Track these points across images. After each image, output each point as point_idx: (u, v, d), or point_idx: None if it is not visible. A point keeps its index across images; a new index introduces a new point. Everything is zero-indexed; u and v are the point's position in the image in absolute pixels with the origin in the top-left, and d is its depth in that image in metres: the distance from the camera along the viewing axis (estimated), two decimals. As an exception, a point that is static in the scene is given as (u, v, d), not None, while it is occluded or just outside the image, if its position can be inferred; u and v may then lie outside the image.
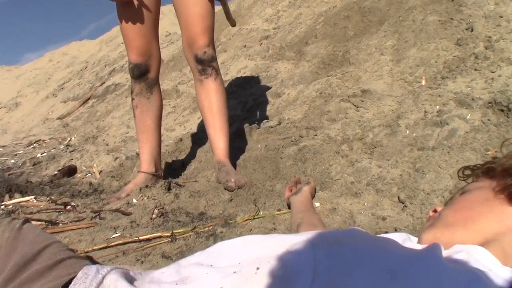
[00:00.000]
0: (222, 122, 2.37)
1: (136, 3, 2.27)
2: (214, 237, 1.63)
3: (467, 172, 1.13)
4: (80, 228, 2.01)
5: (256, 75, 4.06)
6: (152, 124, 2.46)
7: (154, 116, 2.47)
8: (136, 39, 2.32)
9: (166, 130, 3.86)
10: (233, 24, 2.80)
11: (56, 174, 3.31)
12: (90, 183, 2.90)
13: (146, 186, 2.32)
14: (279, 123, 2.89)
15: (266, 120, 3.04)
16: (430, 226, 1.02)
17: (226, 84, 3.95)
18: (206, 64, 2.34)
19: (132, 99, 2.46)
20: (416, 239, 1.04)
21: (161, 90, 4.28)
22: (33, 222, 2.12)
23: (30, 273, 0.95)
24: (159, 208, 1.99)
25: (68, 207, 2.32)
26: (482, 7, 2.83)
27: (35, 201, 2.55)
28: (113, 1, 2.30)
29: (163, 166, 2.75)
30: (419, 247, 0.94)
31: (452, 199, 1.08)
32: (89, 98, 6.88)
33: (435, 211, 1.10)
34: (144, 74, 2.38)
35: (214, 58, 2.37)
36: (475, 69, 2.34)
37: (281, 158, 2.29)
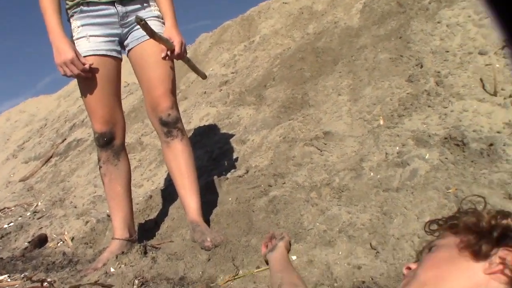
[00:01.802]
0: (191, 182, 2.38)
1: (90, 75, 2.28)
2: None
3: (433, 226, 1.19)
4: (60, 305, 1.99)
5: (219, 122, 4.12)
6: (122, 190, 2.46)
7: (123, 182, 2.47)
8: (99, 109, 2.34)
9: (134, 186, 3.84)
10: (203, 76, 2.84)
11: (26, 247, 3.24)
12: (64, 253, 2.85)
13: (122, 253, 2.30)
14: (247, 171, 2.94)
15: (233, 170, 3.08)
16: (406, 285, 1.07)
17: (190, 134, 3.98)
18: (171, 126, 2.36)
19: (100, 167, 2.46)
20: None
21: (126, 143, 4.28)
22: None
23: None
24: (139, 278, 1.98)
25: (45, 283, 2.27)
26: (429, 43, 2.99)
27: (9, 280, 2.49)
28: (70, 78, 2.32)
29: (136, 227, 2.74)
30: None
31: (422, 255, 1.14)
32: (51, 157, 6.77)
33: (408, 268, 1.15)
34: (109, 142, 2.40)
35: (178, 119, 2.40)
36: (429, 106, 2.46)
37: (253, 211, 2.33)
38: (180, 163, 2.39)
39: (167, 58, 2.33)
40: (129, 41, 2.40)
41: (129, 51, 2.42)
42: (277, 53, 5.03)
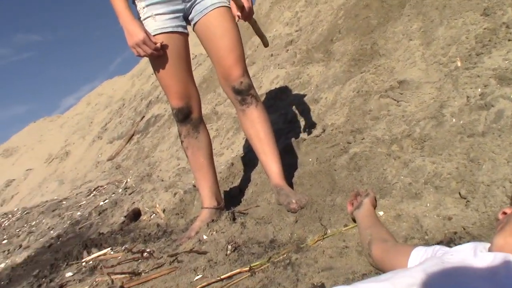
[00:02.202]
0: (271, 147, 2.43)
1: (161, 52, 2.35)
2: (291, 266, 1.69)
3: None
4: (162, 275, 2.13)
5: (290, 83, 4.11)
6: (205, 161, 2.57)
7: (205, 153, 2.58)
8: (174, 85, 2.42)
9: (215, 155, 3.95)
10: (266, 44, 2.85)
11: (123, 221, 3.46)
12: (158, 225, 3.02)
13: (213, 221, 2.42)
14: (324, 130, 2.94)
15: (311, 130, 3.09)
16: (500, 231, 1.05)
17: (262, 98, 4.01)
18: (244, 94, 2.40)
19: (182, 141, 2.57)
20: (487, 244, 1.07)
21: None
22: (117, 276, 2.26)
23: None
24: (231, 243, 2.07)
25: (145, 254, 2.44)
26: (503, -30, 2.78)
27: (112, 252, 2.69)
28: (143, 57, 2.42)
29: (222, 194, 2.85)
30: (490, 258, 0.98)
31: None
32: (133, 135, 7.10)
33: (504, 213, 1.13)
34: (187, 116, 2.48)
35: (251, 86, 2.42)
36: (509, 40, 2.31)
37: (334, 170, 2.34)
38: (258, 129, 2.43)
39: (238, 19, 2.38)
40: (194, 15, 2.43)
41: (194, 24, 2.46)
42: (339, 4, 4.89)
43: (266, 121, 2.46)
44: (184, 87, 2.45)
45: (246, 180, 2.99)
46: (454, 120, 2.11)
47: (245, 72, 2.42)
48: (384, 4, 4.04)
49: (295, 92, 3.90)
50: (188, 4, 2.41)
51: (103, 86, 12.14)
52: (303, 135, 3.07)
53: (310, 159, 2.63)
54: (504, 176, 1.56)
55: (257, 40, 5.56)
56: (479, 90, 2.14)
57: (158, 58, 2.37)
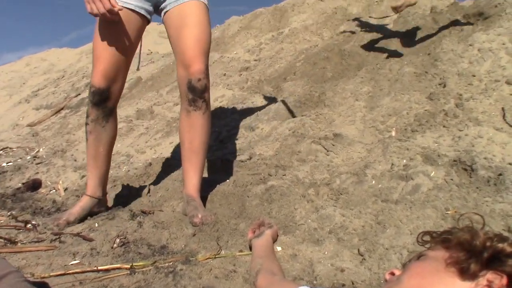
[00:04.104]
0: (199, 159, 2.31)
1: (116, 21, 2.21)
2: (173, 274, 1.62)
3: (426, 237, 1.16)
4: (39, 250, 1.98)
5: (233, 106, 4.09)
6: (104, 152, 2.42)
7: (106, 144, 2.42)
8: (106, 60, 2.24)
9: (136, 151, 3.84)
10: None
11: (20, 187, 3.25)
12: (54, 201, 2.85)
13: (93, 211, 2.38)
14: (250, 158, 2.91)
15: (237, 154, 3.06)
16: None
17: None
18: (197, 94, 2.22)
19: (86, 123, 2.37)
20: None
21: (137, 109, 4.26)
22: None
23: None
24: (121, 237, 1.97)
25: (29, 225, 2.28)
26: (456, 64, 2.93)
27: (-5, 214, 2.49)
28: (97, 17, 2.19)
29: (129, 190, 2.74)
30: None
31: (410, 262, 1.11)
32: (62, 108, 6.78)
33: (392, 273, 1.12)
34: (103, 101, 2.29)
35: (207, 89, 2.25)
36: (444, 126, 2.41)
37: (248, 196, 2.30)
38: (194, 137, 2.29)
39: None
40: (167, 3, 2.31)
41: (165, 13, 2.33)
42: (303, 48, 4.99)
43: (206, 132, 2.32)
44: (115, 69, 2.27)
45: (158, 183, 2.89)
46: (373, 182, 2.15)
47: (206, 71, 2.24)
48: (343, 61, 4.16)
49: (235, 115, 3.88)
50: None
51: (49, 53, 11.61)
52: (229, 157, 3.03)
53: (227, 180, 2.59)
54: (403, 244, 1.58)
55: (215, 55, 5.55)
56: (404, 161, 2.20)
57: (106, 26, 2.22)
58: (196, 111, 2.25)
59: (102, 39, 2.24)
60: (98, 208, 2.43)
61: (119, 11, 2.15)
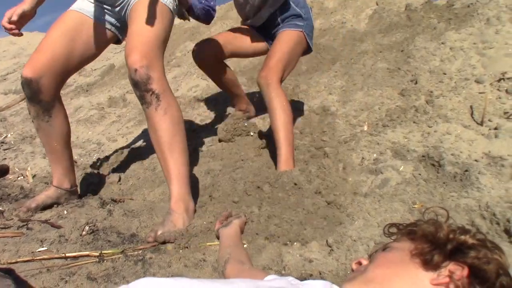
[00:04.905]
0: (174, 163, 1.98)
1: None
2: (142, 263, 1.62)
3: (392, 229, 1.19)
4: (5, 236, 1.95)
5: (207, 96, 4.07)
6: (59, 146, 2.32)
7: (58, 138, 2.31)
8: (41, 53, 2.13)
9: (108, 139, 3.80)
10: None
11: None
12: (22, 187, 2.80)
13: (65, 200, 2.36)
14: (223, 149, 2.91)
15: (209, 144, 3.05)
16: (352, 279, 1.06)
17: (175, 101, 3.92)
18: (141, 88, 1.92)
19: (32, 120, 2.27)
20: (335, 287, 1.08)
21: (109, 97, 4.18)
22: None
23: None
24: (91, 224, 1.95)
25: (-5, 211, 2.23)
26: (428, 62, 2.98)
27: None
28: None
29: (98, 178, 2.70)
30: None
31: (376, 253, 1.13)
32: (32, 94, 6.65)
33: (359, 263, 1.14)
34: (35, 94, 2.13)
35: (150, 79, 1.91)
36: (414, 122, 2.45)
37: (219, 185, 2.30)
38: (158, 139, 1.98)
39: None
40: (128, 9, 2.20)
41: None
42: (279, 41, 4.99)
43: (168, 129, 1.97)
44: (49, 64, 2.12)
45: (130, 171, 2.87)
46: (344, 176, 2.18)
47: (145, 61, 1.91)
48: (318, 55, 4.17)
49: (209, 104, 3.86)
50: (118, 9, 2.25)
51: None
52: (201, 147, 3.02)
53: (200, 170, 2.58)
54: (371, 236, 1.60)
55: (190, 45, 5.50)
56: (375, 155, 2.23)
57: (60, 23, 2.20)
58: (148, 108, 1.95)
59: (50, 33, 2.18)
60: (68, 200, 2.38)
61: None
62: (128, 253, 1.73)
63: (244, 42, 2.86)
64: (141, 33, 1.99)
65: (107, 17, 2.28)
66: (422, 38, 3.30)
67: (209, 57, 2.81)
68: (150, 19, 2.01)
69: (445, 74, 2.77)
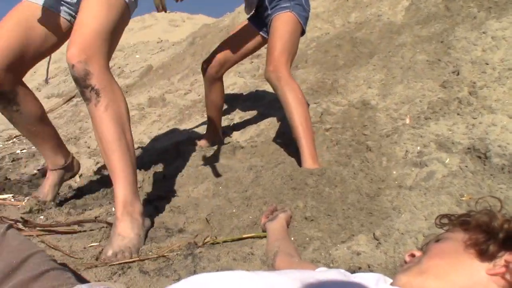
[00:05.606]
0: (116, 159, 1.83)
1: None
2: (192, 257, 1.66)
3: (444, 220, 1.19)
4: (59, 233, 2.03)
5: (245, 93, 4.11)
6: (38, 128, 2.25)
7: (35, 121, 2.21)
8: None
9: (149, 138, 3.88)
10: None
11: (35, 173, 3.30)
12: (70, 186, 2.89)
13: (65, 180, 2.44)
14: (262, 146, 2.94)
15: (249, 141, 3.09)
16: (406, 270, 1.07)
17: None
18: (81, 84, 1.79)
19: (1, 113, 2.18)
20: (390, 280, 1.09)
21: (149, 97, 4.26)
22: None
23: (15, 282, 0.97)
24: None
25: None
26: (470, 52, 2.92)
27: (13, 200, 2.54)
28: None
29: (142, 175, 2.77)
30: None
31: (428, 245, 1.13)
32: (73, 97, 6.84)
33: (412, 255, 1.15)
34: None
35: (88, 75, 1.77)
36: (458, 114, 2.42)
37: (262, 180, 2.33)
38: (101, 136, 1.84)
39: None
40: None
41: None
42: (314, 36, 4.98)
43: (111, 127, 1.83)
44: (3, 54, 1.99)
45: (173, 169, 2.93)
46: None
47: (83, 55, 1.76)
48: (355, 49, 4.15)
49: (247, 102, 3.90)
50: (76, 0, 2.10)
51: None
52: (242, 143, 3.06)
53: (242, 165, 2.62)
54: (419, 229, 1.60)
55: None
56: (418, 148, 2.22)
57: (11, 13, 2.07)
58: (89, 104, 1.83)
59: (3, 24, 2.06)
60: (69, 173, 2.41)
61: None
62: (176, 248, 1.77)
63: (242, 48, 2.94)
64: (85, 25, 1.84)
65: (65, 9, 2.14)
66: (462, 28, 3.24)
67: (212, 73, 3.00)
68: (97, 10, 1.87)
69: (487, 64, 2.72)
